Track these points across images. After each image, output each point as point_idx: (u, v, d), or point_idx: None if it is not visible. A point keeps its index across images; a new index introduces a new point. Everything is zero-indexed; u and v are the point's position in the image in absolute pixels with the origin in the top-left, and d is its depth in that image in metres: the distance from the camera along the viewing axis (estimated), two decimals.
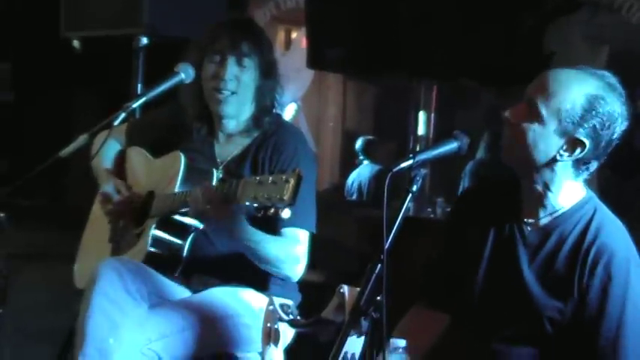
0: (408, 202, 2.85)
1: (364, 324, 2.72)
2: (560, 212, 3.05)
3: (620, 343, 2.93)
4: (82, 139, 3.37)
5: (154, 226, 3.60)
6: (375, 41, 6.23)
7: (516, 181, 3.12)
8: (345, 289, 2.92)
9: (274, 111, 3.79)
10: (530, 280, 3.04)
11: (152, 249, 3.58)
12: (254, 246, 3.48)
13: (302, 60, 7.35)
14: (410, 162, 2.83)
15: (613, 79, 2.99)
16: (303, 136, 3.87)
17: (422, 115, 7.26)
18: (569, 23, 6.40)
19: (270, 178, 3.03)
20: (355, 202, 8.96)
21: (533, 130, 2.96)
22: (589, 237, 2.99)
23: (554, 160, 2.98)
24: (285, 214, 3.02)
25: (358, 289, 2.78)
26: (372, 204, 8.29)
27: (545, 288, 3.01)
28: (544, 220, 3.07)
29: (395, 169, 2.80)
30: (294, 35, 9.69)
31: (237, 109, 3.74)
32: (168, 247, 3.61)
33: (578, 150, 2.95)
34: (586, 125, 2.92)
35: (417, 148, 7.08)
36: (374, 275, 2.74)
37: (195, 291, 3.68)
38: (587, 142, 2.94)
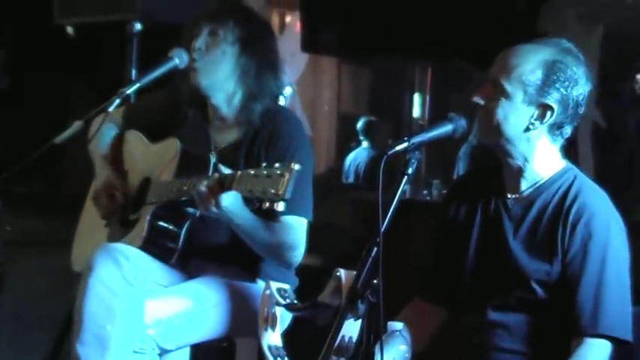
0: (403, 185, 2.87)
1: (361, 307, 2.72)
2: (540, 182, 3.14)
3: (600, 299, 2.99)
4: (76, 125, 3.38)
5: (150, 213, 3.60)
6: (368, 23, 6.23)
7: (500, 162, 3.20)
8: (342, 272, 2.93)
9: (266, 99, 3.70)
10: (517, 249, 3.11)
11: (149, 236, 3.58)
12: (253, 233, 3.48)
13: (296, 44, 7.35)
14: (405, 145, 2.87)
15: (568, 44, 3.12)
16: (299, 123, 3.83)
17: (417, 97, 7.28)
18: (564, 2, 6.39)
19: (265, 172, 3.04)
20: (352, 185, 8.97)
21: (502, 106, 3.07)
22: (569, 200, 3.08)
23: (527, 130, 3.07)
24: (280, 207, 3.04)
25: (355, 272, 2.78)
26: (369, 187, 8.29)
27: (531, 254, 3.09)
28: (526, 192, 3.16)
29: (390, 152, 2.83)
30: (288, 19, 9.67)
31: (210, 81, 3.67)
32: (165, 233, 3.60)
33: (548, 114, 3.06)
34: (550, 90, 3.04)
35: (413, 130, 7.09)
36: (370, 258, 2.75)
37: (191, 277, 3.68)
38: (555, 105, 3.05)
